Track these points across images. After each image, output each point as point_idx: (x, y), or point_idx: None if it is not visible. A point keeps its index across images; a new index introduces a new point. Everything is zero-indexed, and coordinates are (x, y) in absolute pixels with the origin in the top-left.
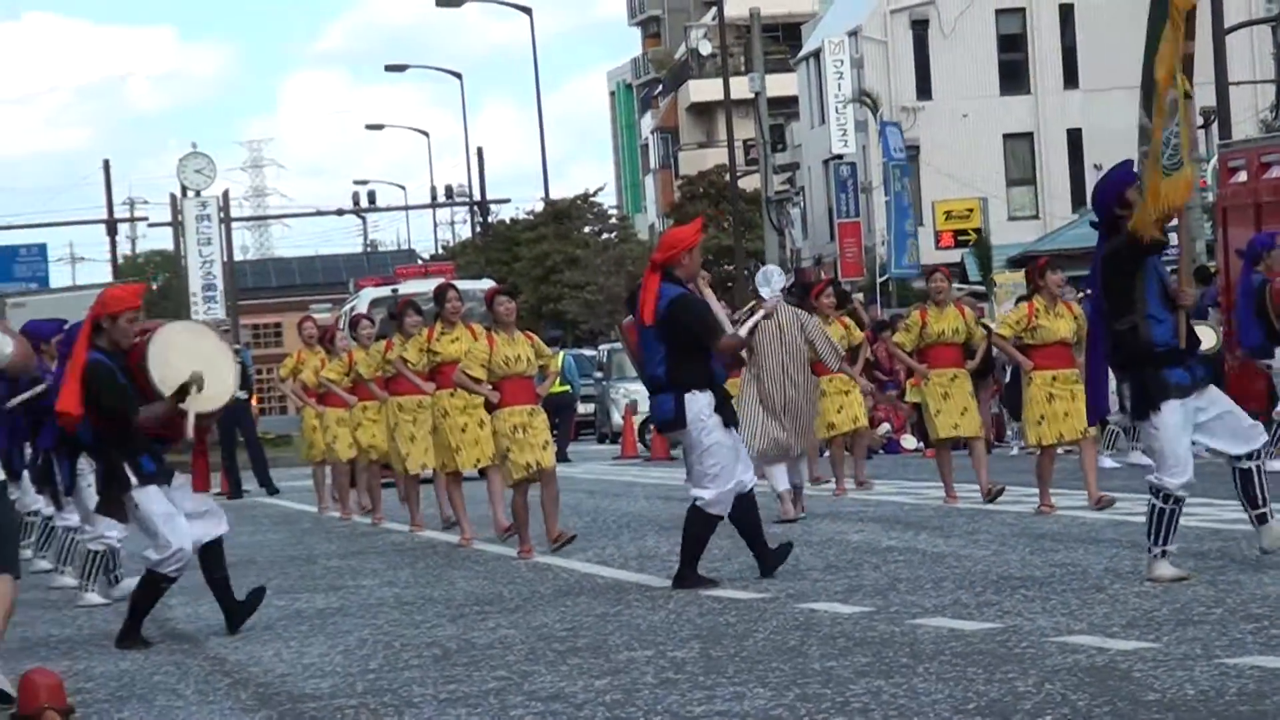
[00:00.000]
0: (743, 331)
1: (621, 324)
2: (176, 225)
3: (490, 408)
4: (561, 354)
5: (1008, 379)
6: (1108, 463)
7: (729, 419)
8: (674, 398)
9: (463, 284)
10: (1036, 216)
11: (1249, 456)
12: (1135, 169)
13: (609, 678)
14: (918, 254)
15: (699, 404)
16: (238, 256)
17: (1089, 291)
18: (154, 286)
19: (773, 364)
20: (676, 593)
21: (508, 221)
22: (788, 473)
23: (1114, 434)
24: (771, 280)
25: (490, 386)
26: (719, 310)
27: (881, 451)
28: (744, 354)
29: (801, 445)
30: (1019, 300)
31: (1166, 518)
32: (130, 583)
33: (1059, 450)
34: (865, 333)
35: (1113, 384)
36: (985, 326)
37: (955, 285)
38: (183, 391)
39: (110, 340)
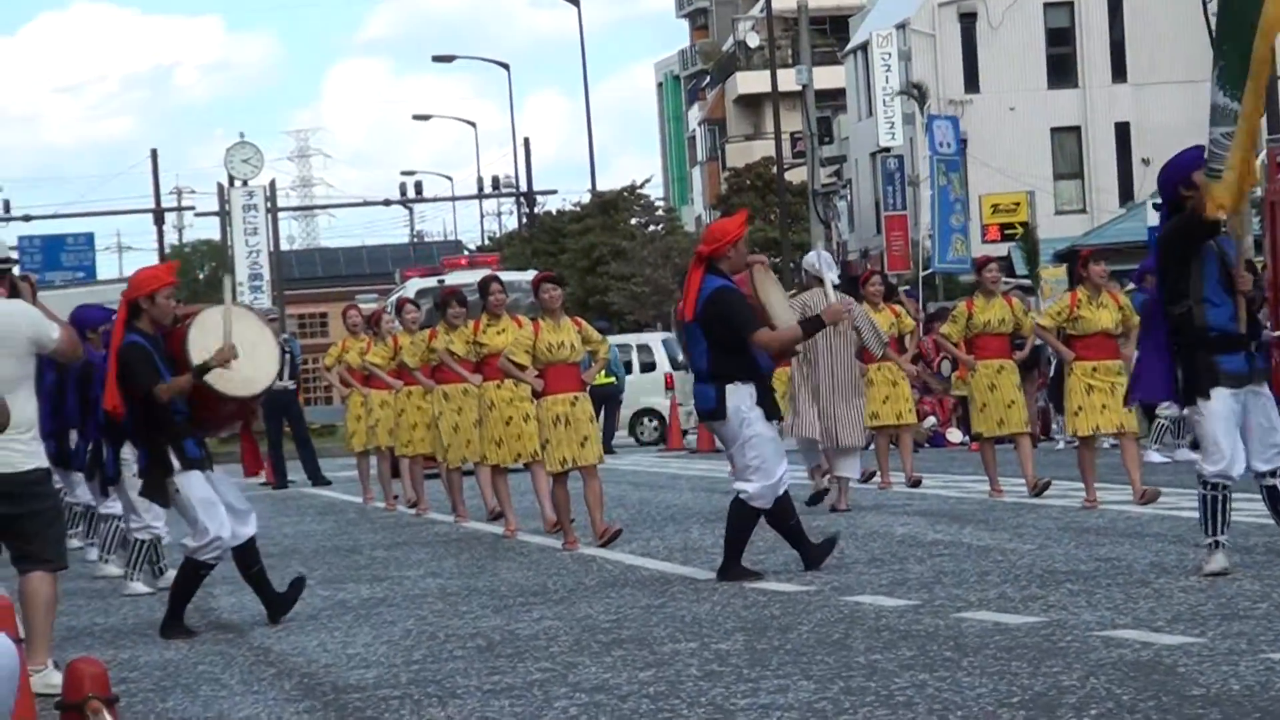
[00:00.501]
0: (793, 332)
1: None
2: (223, 215)
3: (535, 395)
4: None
5: (1052, 372)
6: (1155, 457)
7: (771, 412)
8: (715, 389)
9: (508, 275)
10: (1084, 210)
11: (1273, 474)
12: (1206, 154)
13: (653, 670)
14: (966, 248)
15: (740, 396)
16: (284, 246)
17: (1134, 286)
18: (200, 276)
19: (818, 351)
20: (721, 585)
21: (554, 213)
22: (842, 462)
23: (1163, 428)
24: (828, 263)
25: (536, 373)
26: (781, 300)
27: (927, 445)
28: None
29: (851, 437)
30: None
31: (1213, 505)
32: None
33: (1105, 444)
34: (915, 323)
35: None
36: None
37: (1004, 279)
38: (204, 368)
39: (150, 320)
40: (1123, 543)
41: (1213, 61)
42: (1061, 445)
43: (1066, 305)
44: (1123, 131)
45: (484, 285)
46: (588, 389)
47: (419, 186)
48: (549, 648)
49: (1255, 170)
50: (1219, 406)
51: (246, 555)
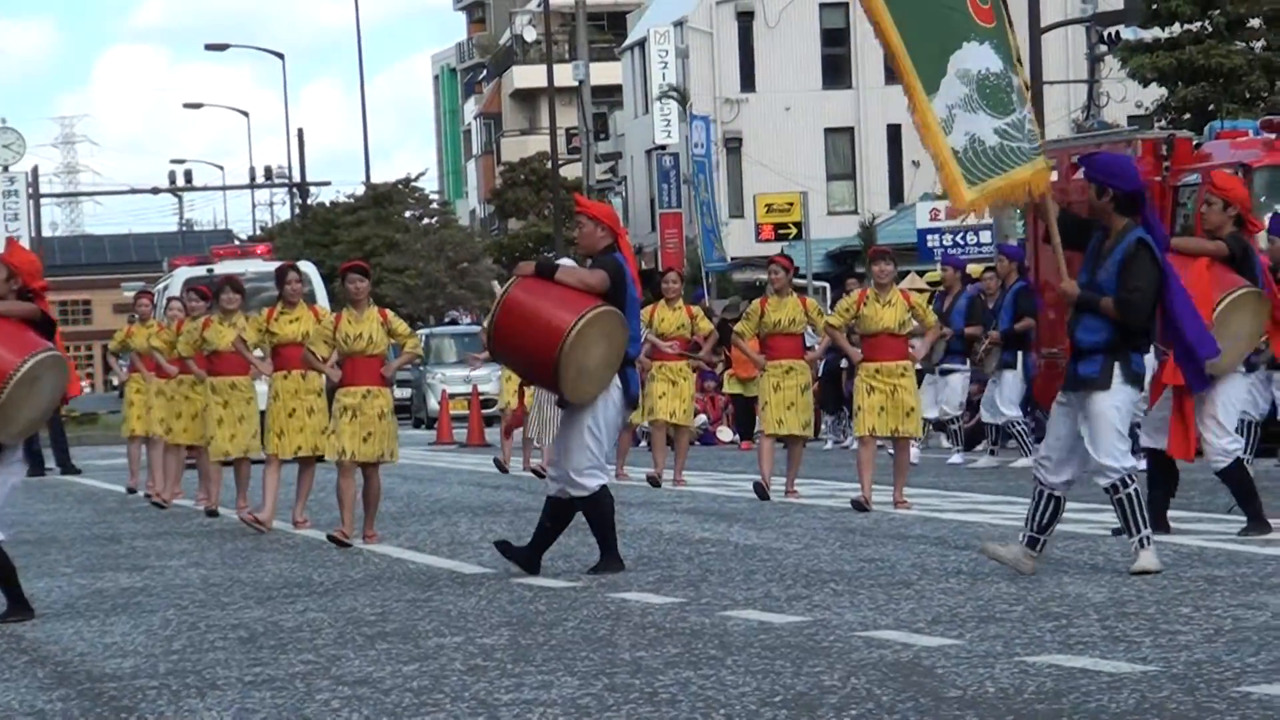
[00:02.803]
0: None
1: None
2: None
3: (333, 386)
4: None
5: (819, 373)
6: (957, 459)
7: (632, 404)
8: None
9: (271, 265)
10: (855, 211)
11: (1066, 485)
12: (1024, 136)
13: (417, 664)
14: (722, 248)
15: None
16: (47, 233)
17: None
18: None
19: None
20: (487, 579)
21: (327, 204)
22: None
23: (958, 432)
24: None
25: (335, 364)
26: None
27: (697, 443)
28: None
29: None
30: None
31: (1129, 503)
32: None
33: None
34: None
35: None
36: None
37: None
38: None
39: None
40: (887, 544)
41: (992, 46)
42: (829, 446)
43: (854, 302)
44: (894, 133)
45: (281, 273)
46: (390, 383)
47: (189, 175)
48: (312, 640)
49: (1042, 175)
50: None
51: None
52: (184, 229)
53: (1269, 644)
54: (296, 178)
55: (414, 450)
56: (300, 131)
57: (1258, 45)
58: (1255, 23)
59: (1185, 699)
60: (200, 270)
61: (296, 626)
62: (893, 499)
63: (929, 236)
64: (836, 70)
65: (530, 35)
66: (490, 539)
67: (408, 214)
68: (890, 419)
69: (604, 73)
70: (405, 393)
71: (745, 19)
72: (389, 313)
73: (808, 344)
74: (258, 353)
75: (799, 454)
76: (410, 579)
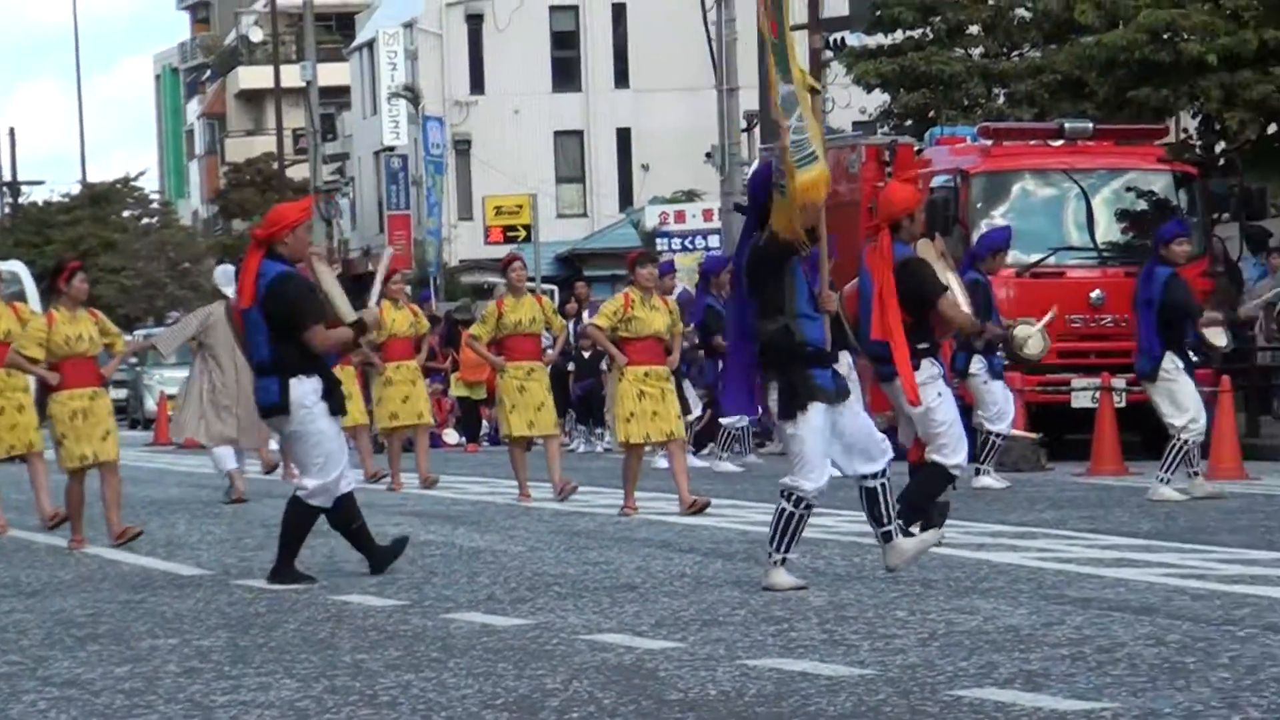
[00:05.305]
0: (344, 333)
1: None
2: None
3: (49, 389)
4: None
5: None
6: (728, 466)
7: (336, 407)
8: (278, 382)
9: None
10: (585, 214)
11: (874, 475)
12: (790, 144)
13: (129, 665)
14: (435, 251)
15: (304, 390)
16: None
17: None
18: None
19: (225, 357)
20: (205, 581)
21: (40, 204)
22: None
23: (730, 437)
24: (234, 280)
25: (49, 367)
26: (341, 294)
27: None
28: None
29: (250, 439)
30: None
31: (794, 523)
32: None
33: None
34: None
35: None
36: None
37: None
38: None
39: None
40: (612, 547)
41: (770, 56)
42: (581, 448)
43: (621, 305)
44: (624, 137)
45: None
46: (108, 384)
47: None
48: (19, 641)
49: (817, 183)
50: (817, 420)
51: None
52: None
53: (980, 648)
54: (7, 176)
55: (131, 451)
56: (11, 130)
57: (976, 52)
58: (974, 30)
59: (900, 702)
60: None
61: (2, 627)
62: (684, 501)
63: (659, 240)
64: (566, 73)
65: (256, 35)
66: (209, 540)
67: (126, 214)
68: (664, 423)
69: (332, 74)
70: (121, 393)
71: (475, 21)
72: (98, 313)
73: (544, 345)
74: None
75: (556, 451)
76: (124, 580)
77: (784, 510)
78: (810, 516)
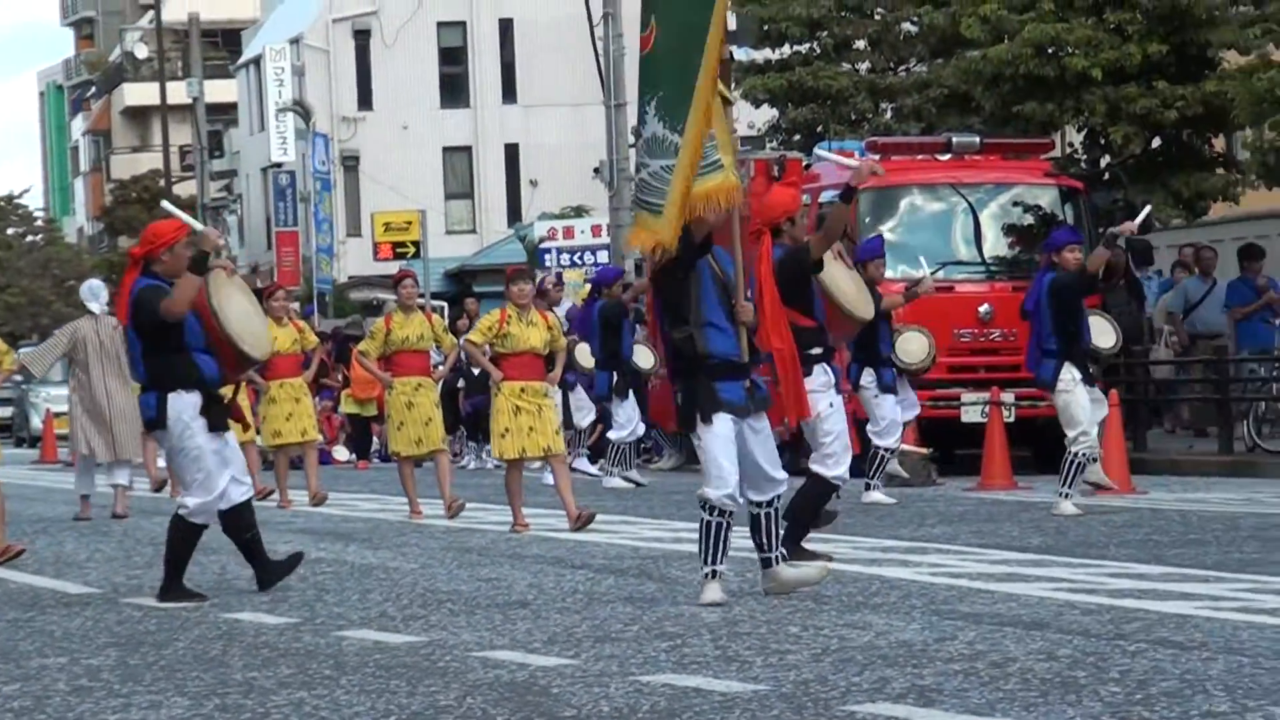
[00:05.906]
0: (185, 282)
1: None
2: None
3: None
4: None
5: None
6: (616, 482)
7: (217, 423)
8: (155, 397)
9: None
10: (474, 230)
11: (761, 505)
12: (640, 187)
13: (18, 684)
14: (330, 268)
15: (182, 405)
16: None
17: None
18: None
19: (96, 372)
20: (94, 600)
21: None
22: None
23: (619, 451)
24: (99, 295)
25: None
26: (236, 306)
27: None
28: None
29: (130, 453)
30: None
31: (714, 531)
32: None
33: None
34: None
35: None
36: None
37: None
38: None
39: None
40: (504, 564)
41: (640, 93)
42: (472, 465)
43: (496, 321)
44: (512, 152)
45: None
46: None
47: None
48: None
49: (724, 190)
50: (721, 429)
51: None
52: None
53: (872, 663)
54: None
55: (17, 469)
56: None
57: (863, 67)
58: (861, 45)
59: (794, 717)
60: None
61: None
62: (571, 516)
63: (545, 256)
64: (454, 89)
65: (142, 52)
66: (98, 558)
67: (11, 231)
68: (541, 438)
69: (219, 90)
70: (7, 411)
71: (362, 37)
72: None
73: (434, 362)
74: None
75: (446, 467)
76: (10, 599)
77: (702, 520)
78: (732, 523)
